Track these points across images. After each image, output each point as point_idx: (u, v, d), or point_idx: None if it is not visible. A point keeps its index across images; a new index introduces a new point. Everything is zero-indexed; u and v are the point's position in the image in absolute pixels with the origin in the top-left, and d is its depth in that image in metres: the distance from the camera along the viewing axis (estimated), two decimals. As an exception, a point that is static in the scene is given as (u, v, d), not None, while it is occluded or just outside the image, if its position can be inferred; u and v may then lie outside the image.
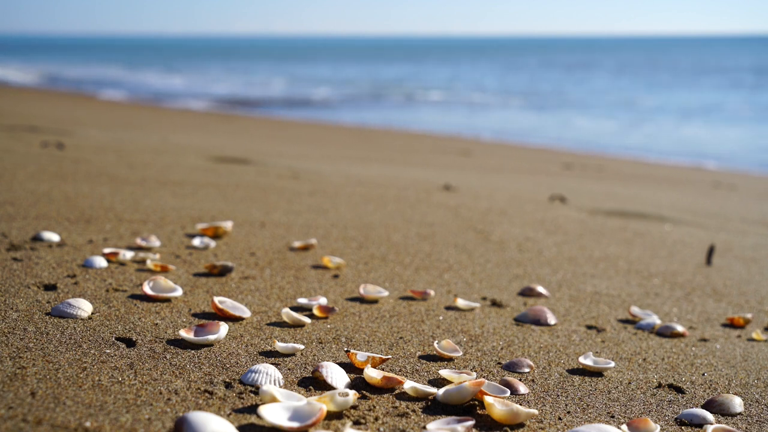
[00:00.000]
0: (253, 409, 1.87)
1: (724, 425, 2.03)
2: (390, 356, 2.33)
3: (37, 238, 3.33)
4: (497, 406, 1.94)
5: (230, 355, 2.23)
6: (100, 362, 2.06)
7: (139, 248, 3.37)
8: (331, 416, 1.87)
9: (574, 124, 18.31)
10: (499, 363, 2.40)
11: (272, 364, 2.19)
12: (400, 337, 2.56)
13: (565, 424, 1.99)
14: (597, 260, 3.99)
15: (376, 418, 1.89)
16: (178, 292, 2.71)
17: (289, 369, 2.18)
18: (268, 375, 2.05)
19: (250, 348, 2.32)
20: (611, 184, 8.09)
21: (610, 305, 3.19)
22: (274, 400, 1.86)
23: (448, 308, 2.95)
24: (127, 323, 2.41)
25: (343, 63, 54.77)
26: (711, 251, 4.17)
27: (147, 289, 2.67)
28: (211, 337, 2.29)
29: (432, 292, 3.06)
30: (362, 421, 1.87)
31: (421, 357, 2.39)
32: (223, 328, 2.34)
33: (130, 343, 2.25)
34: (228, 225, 3.77)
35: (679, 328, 2.86)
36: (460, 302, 2.95)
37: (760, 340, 2.89)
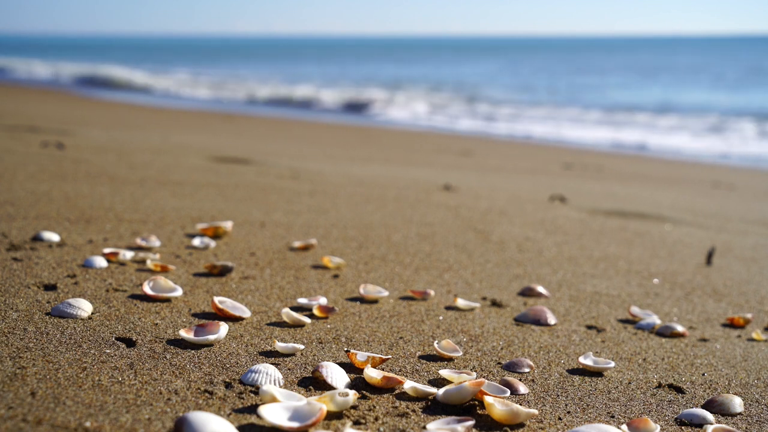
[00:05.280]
0: (253, 409, 1.87)
1: (724, 425, 2.03)
2: (390, 356, 2.33)
3: (37, 238, 3.33)
4: (497, 406, 1.94)
5: (230, 355, 2.23)
6: (100, 362, 2.06)
7: (139, 248, 3.37)
8: (331, 416, 1.87)
9: (575, 125, 18.32)
10: (499, 363, 2.40)
11: (272, 364, 2.19)
12: (400, 337, 2.56)
13: (565, 424, 1.99)
14: (597, 260, 3.99)
15: (376, 418, 1.89)
16: (178, 292, 2.71)
17: (289, 369, 2.18)
18: (268, 375, 2.05)
19: (250, 348, 2.32)
20: (611, 184, 8.09)
21: (610, 305, 3.19)
22: (274, 400, 1.86)
23: (448, 308, 2.95)
24: (127, 323, 2.41)
25: (359, 63, 54.85)
26: (711, 253, 4.17)
27: (147, 289, 2.67)
28: (211, 337, 2.29)
29: (432, 292, 3.06)
30: (362, 421, 1.87)
31: (421, 357, 2.39)
32: (223, 328, 2.34)
33: (130, 343, 2.25)
34: (228, 225, 3.77)
35: (679, 328, 2.86)
36: (460, 302, 2.95)
37: (760, 340, 2.89)
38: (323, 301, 2.81)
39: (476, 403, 2.04)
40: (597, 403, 2.15)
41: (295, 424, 1.75)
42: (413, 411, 1.96)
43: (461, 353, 2.43)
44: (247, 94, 24.74)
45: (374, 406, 1.96)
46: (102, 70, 34.47)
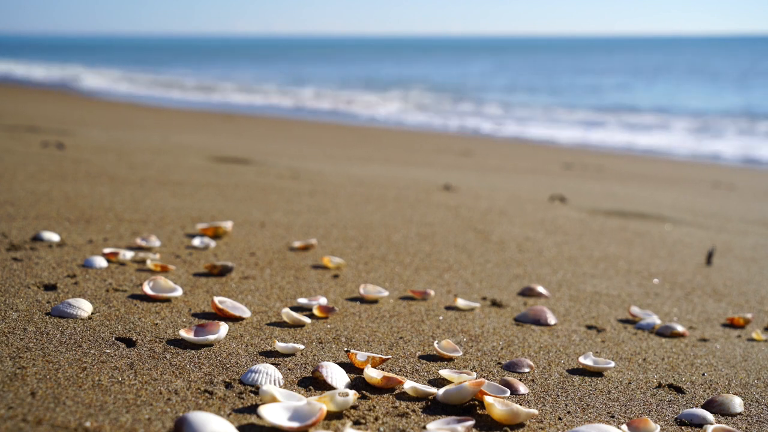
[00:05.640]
0: (253, 409, 1.87)
1: (724, 425, 2.03)
2: (390, 356, 2.33)
3: (37, 238, 3.33)
4: (497, 406, 1.94)
5: (230, 355, 2.23)
6: (100, 362, 2.06)
7: (139, 248, 3.37)
8: (331, 416, 1.87)
9: (577, 124, 18.33)
10: (499, 363, 2.40)
11: (272, 364, 2.19)
12: (400, 337, 2.56)
13: (565, 424, 1.99)
14: (597, 260, 3.99)
15: (376, 418, 1.89)
16: (178, 292, 2.71)
17: (289, 369, 2.18)
18: (268, 375, 2.05)
19: (250, 348, 2.32)
20: (611, 184, 8.09)
21: (610, 305, 3.19)
22: (274, 400, 1.86)
23: (448, 308, 2.95)
24: (127, 323, 2.41)
25: (369, 63, 54.93)
26: (711, 253, 4.17)
27: (147, 289, 2.67)
28: (211, 337, 2.29)
29: (432, 292, 3.06)
30: (362, 421, 1.87)
31: (421, 357, 2.39)
32: (223, 328, 2.34)
33: (130, 343, 2.25)
34: (228, 225, 3.77)
35: (679, 328, 2.86)
36: (460, 302, 2.95)
37: (760, 340, 2.89)
38: (323, 301, 2.81)
39: (476, 403, 2.04)
40: (597, 403, 2.15)
41: (295, 424, 1.75)
42: (413, 411, 1.96)
43: (461, 353, 2.43)
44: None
45: (374, 406, 1.96)
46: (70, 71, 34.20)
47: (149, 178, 5.32)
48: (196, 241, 3.53)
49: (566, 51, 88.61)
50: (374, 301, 2.95)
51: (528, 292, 3.23)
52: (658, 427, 1.95)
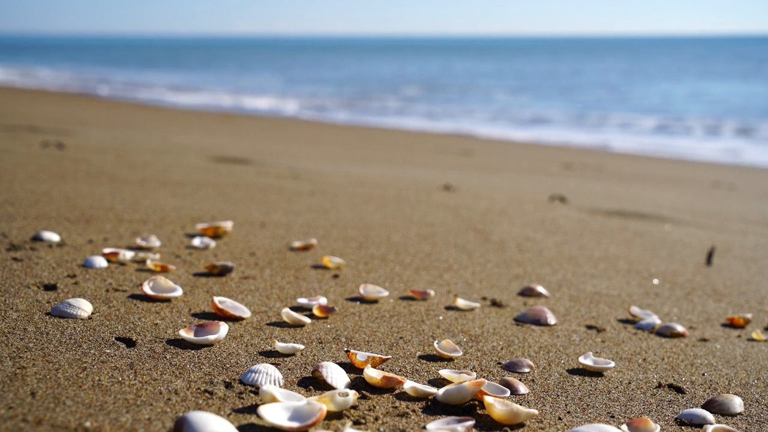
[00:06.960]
0: (253, 409, 1.87)
1: (724, 425, 2.03)
2: (390, 356, 2.33)
3: (37, 238, 3.33)
4: (497, 406, 1.94)
5: (230, 355, 2.23)
6: (100, 362, 2.06)
7: (139, 248, 3.37)
8: (331, 416, 1.87)
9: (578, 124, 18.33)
10: (499, 363, 2.40)
11: (272, 364, 2.19)
12: (400, 337, 2.56)
13: (565, 424, 1.99)
14: (597, 260, 3.99)
15: (376, 418, 1.89)
16: (178, 292, 2.71)
17: (289, 369, 2.18)
18: (268, 375, 2.05)
19: (250, 348, 2.32)
20: (611, 184, 8.09)
21: (610, 305, 3.19)
22: (274, 400, 1.86)
23: (448, 308, 2.95)
24: (127, 323, 2.41)
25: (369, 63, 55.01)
26: (711, 253, 4.17)
27: (147, 289, 2.67)
28: (211, 337, 2.29)
29: (432, 292, 3.06)
30: (362, 421, 1.87)
31: (421, 357, 2.39)
32: (223, 328, 2.34)
33: (130, 343, 2.25)
34: (228, 225, 3.77)
35: (679, 328, 2.86)
36: (460, 302, 2.95)
37: (760, 340, 2.89)
38: (323, 301, 2.81)
39: (476, 403, 2.04)
40: (597, 403, 2.15)
41: (295, 424, 1.75)
42: (413, 411, 1.96)
43: (461, 353, 2.43)
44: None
45: (374, 406, 1.96)
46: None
47: (149, 178, 5.32)
48: (196, 241, 3.53)
49: (566, 51, 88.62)
50: (374, 301, 2.95)
51: (528, 292, 3.23)
52: (658, 427, 1.95)
